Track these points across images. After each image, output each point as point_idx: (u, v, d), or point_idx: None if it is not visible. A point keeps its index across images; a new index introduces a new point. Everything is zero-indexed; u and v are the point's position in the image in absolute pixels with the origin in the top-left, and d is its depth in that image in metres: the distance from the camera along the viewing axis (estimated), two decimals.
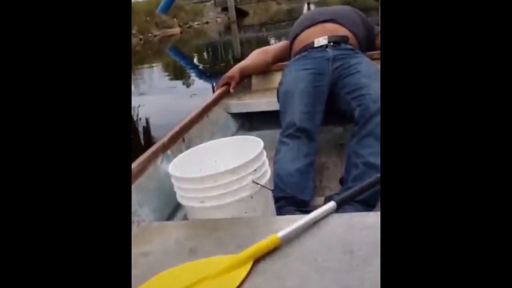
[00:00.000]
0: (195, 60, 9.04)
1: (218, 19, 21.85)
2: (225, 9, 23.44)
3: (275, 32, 12.99)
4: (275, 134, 1.29)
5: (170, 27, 16.39)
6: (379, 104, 1.14)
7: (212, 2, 24.03)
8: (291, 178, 1.11)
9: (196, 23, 19.61)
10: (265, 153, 0.98)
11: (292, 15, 17.71)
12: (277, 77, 1.55)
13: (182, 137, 1.30)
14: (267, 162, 0.99)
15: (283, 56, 1.76)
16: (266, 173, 0.97)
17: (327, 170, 1.38)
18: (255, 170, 0.92)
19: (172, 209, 1.08)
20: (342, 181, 1.18)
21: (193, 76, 6.79)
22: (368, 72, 1.30)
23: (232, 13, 20.55)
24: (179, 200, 0.94)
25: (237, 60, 1.83)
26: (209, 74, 6.66)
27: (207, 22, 20.79)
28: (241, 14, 25.97)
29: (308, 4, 23.34)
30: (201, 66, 8.03)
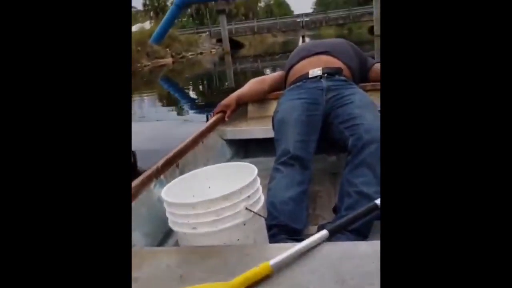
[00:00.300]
0: (190, 90, 9.14)
1: (213, 50, 22.34)
2: (220, 40, 23.99)
3: (269, 64, 13.29)
4: (269, 161, 1.32)
5: (162, 57, 16.56)
6: (372, 134, 1.18)
7: (208, 33, 24.71)
8: (284, 206, 1.12)
9: (190, 53, 19.96)
10: (258, 180, 1.00)
11: (287, 47, 18.16)
12: (273, 106, 1.60)
13: (176, 162, 1.32)
14: (260, 189, 1.00)
15: (279, 86, 1.82)
16: (260, 200, 0.98)
17: (321, 199, 1.40)
18: (248, 196, 0.93)
19: (164, 235, 1.08)
20: (335, 210, 1.19)
21: (186, 108, 6.87)
22: (361, 102, 1.35)
23: (226, 45, 20.88)
24: (171, 225, 0.94)
25: (231, 91, 1.90)
26: (203, 104, 6.74)
27: (201, 53, 21.12)
28: (236, 45, 26.66)
29: (303, 36, 24.13)
30: (195, 96, 8.12)
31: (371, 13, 23.84)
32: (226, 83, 10.12)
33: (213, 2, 21.15)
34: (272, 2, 57.83)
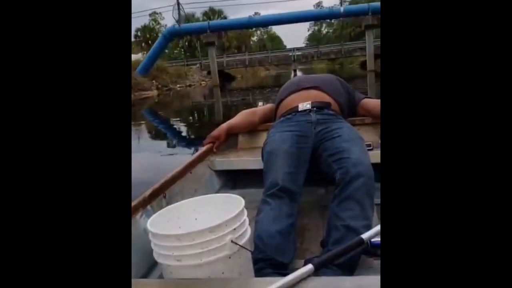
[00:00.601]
0: (176, 123, 9.02)
1: (203, 82, 22.30)
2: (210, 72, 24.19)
3: (260, 97, 13.24)
4: (258, 193, 1.33)
5: (146, 89, 16.34)
6: (359, 168, 1.22)
7: (198, 65, 25.02)
8: (271, 239, 1.13)
9: (178, 85, 19.91)
10: (245, 212, 1.01)
11: (279, 81, 18.20)
12: (263, 137, 1.65)
13: (163, 193, 1.32)
14: (247, 221, 1.01)
15: (269, 118, 1.88)
16: (246, 232, 0.99)
17: (309, 232, 1.40)
18: (234, 229, 0.94)
19: (149, 266, 1.07)
20: (323, 244, 1.20)
21: (172, 141, 6.73)
22: (348, 136, 1.41)
23: (215, 77, 20.85)
24: (156, 257, 0.94)
25: (219, 124, 1.94)
26: (190, 138, 6.65)
27: (190, 85, 21.09)
28: (228, 78, 26.99)
29: (295, 70, 24.54)
30: (181, 130, 7.97)
31: (363, 48, 24.25)
32: (214, 117, 10.02)
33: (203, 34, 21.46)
34: (265, 36, 59.46)
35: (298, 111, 1.58)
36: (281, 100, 1.74)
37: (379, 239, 1.08)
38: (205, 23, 22.36)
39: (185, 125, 8.63)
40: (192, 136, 6.90)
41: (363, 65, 32.17)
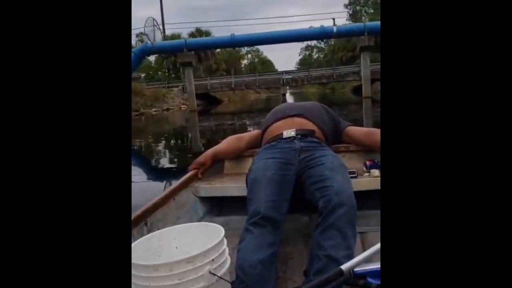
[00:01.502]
0: (142, 153, 8.58)
1: (184, 106, 21.54)
2: (196, 95, 23.90)
3: (247, 122, 13.04)
4: (243, 220, 1.38)
5: None
6: (341, 197, 1.29)
7: (180, 87, 24.32)
8: (253, 269, 1.17)
9: (153, 109, 19.35)
10: (225, 242, 1.06)
11: (270, 104, 18.05)
12: (249, 163, 1.71)
13: (144, 220, 1.35)
14: (227, 251, 1.06)
15: (256, 144, 1.97)
16: (225, 263, 1.03)
17: (292, 261, 1.45)
18: (212, 260, 0.98)
19: None
20: (306, 273, 1.25)
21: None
22: (331, 164, 1.49)
23: (192, 102, 20.01)
24: (133, 287, 0.96)
25: (197, 154, 2.00)
26: (164, 170, 6.43)
27: (167, 109, 20.49)
28: (213, 101, 26.90)
29: (284, 95, 24.66)
30: (143, 162, 7.60)
31: (355, 73, 24.13)
32: (187, 145, 9.57)
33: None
34: (256, 60, 60.87)
35: (282, 138, 1.67)
36: (267, 127, 1.84)
37: (363, 268, 1.13)
38: (182, 40, 21.28)
39: (149, 157, 8.14)
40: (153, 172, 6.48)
41: (356, 90, 32.22)
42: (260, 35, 20.19)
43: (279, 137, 1.69)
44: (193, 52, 20.15)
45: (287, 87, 26.60)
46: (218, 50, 40.01)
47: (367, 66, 20.50)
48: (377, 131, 1.89)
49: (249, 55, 64.07)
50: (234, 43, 20.24)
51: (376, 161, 1.81)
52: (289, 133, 1.68)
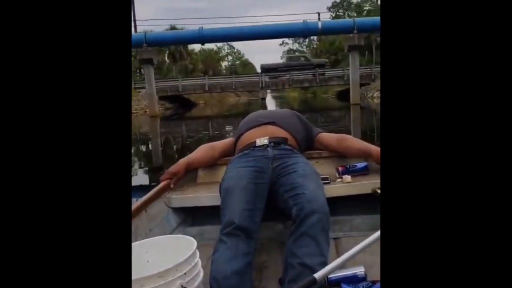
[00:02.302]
0: None
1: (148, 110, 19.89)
2: (166, 97, 23.15)
3: (222, 129, 12.41)
4: (218, 229, 1.44)
5: None
6: (313, 205, 1.39)
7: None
8: (227, 280, 1.25)
9: None
10: (198, 254, 1.11)
11: (250, 109, 17.30)
12: (224, 171, 1.78)
13: None
14: (199, 263, 1.12)
15: (229, 152, 2.06)
16: (198, 276, 1.09)
17: (267, 269, 1.54)
18: (184, 273, 1.03)
19: None
20: (281, 282, 1.34)
21: None
22: (303, 172, 1.59)
23: (153, 105, 18.33)
24: None
25: (156, 169, 1.97)
26: None
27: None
28: (186, 104, 26.30)
29: (263, 99, 24.57)
30: None
31: (340, 77, 23.84)
32: (144, 156, 8.68)
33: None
34: (238, 62, 61.56)
35: (255, 146, 1.77)
36: (240, 135, 1.94)
37: (337, 275, 1.27)
38: (141, 34, 18.96)
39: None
40: None
41: (341, 95, 31.49)
42: (232, 29, 18.59)
43: (252, 145, 1.78)
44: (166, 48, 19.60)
45: (267, 91, 25.97)
46: (197, 50, 39.86)
47: (356, 68, 19.14)
48: (349, 137, 2.06)
49: (230, 57, 65.13)
50: (202, 38, 18.11)
51: (348, 166, 1.93)
52: (262, 141, 1.78)
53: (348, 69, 24.64)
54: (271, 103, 30.06)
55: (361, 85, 23.34)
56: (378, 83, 21.20)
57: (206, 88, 24.97)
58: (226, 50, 64.03)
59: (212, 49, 47.84)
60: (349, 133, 2.19)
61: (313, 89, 41.21)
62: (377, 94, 20.31)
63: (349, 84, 24.75)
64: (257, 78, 25.25)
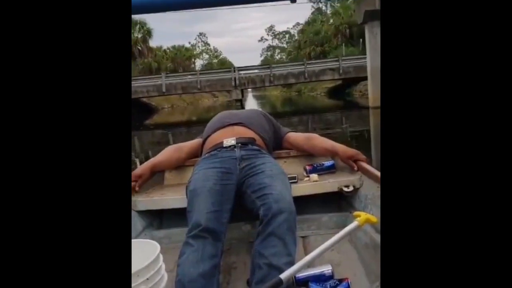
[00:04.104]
0: None
1: None
2: None
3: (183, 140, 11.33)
4: (185, 232, 1.59)
5: None
6: (280, 204, 1.57)
7: None
8: (193, 284, 1.39)
9: None
10: (161, 258, 1.23)
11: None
12: (190, 173, 1.96)
13: None
14: (163, 267, 1.23)
15: (197, 153, 2.26)
16: (162, 280, 1.20)
17: (235, 270, 1.72)
18: (147, 279, 1.14)
19: None
20: (249, 282, 1.50)
21: None
22: (271, 172, 1.79)
23: None
24: None
25: None
26: None
27: None
28: (144, 110, 24.48)
29: (239, 101, 23.45)
30: None
31: (334, 69, 22.58)
32: None
33: None
34: (215, 60, 62.55)
35: (223, 147, 1.97)
36: (207, 136, 2.15)
37: (305, 274, 1.47)
38: None
39: None
40: None
41: (332, 92, 30.87)
42: None
43: (219, 146, 1.98)
44: None
45: (248, 90, 24.02)
46: (165, 47, 39.07)
47: (376, 49, 13.82)
48: (316, 136, 2.30)
49: (206, 55, 66.93)
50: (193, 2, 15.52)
51: (315, 165, 2.17)
52: (229, 141, 1.99)
53: (345, 59, 23.62)
54: (253, 106, 28.33)
55: (358, 79, 22.99)
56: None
57: (163, 90, 22.98)
58: (200, 47, 66.58)
59: (183, 46, 47.74)
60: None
61: (297, 87, 40.72)
62: None
63: (343, 79, 23.88)
64: (229, 75, 23.45)
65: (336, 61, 23.63)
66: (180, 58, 43.07)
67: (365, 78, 21.27)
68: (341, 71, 22.69)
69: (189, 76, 24.61)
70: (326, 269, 1.54)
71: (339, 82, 28.34)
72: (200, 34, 74.34)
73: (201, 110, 27.66)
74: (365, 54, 21.06)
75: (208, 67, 53.56)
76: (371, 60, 14.26)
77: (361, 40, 32.81)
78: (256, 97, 42.72)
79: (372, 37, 13.91)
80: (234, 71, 23.48)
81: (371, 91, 14.60)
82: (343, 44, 34.23)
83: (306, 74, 23.00)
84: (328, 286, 1.47)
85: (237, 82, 23.03)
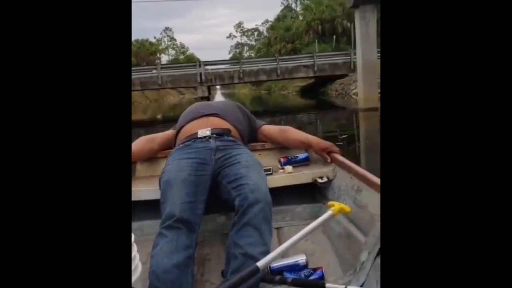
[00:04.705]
0: None
1: None
2: None
3: None
4: (158, 224, 1.64)
5: None
6: (256, 194, 1.65)
7: None
8: (167, 275, 1.44)
9: None
10: (135, 249, 1.25)
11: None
12: (163, 164, 2.02)
13: None
14: (137, 257, 1.25)
15: (169, 145, 2.32)
16: (135, 271, 1.22)
17: (209, 262, 1.80)
18: None
19: None
20: (223, 274, 1.56)
21: None
22: (247, 163, 1.87)
23: None
24: None
25: None
26: None
27: None
28: None
29: (205, 98, 23.20)
30: None
31: (308, 67, 22.35)
32: None
33: None
34: (182, 56, 62.72)
35: (197, 138, 2.04)
36: (181, 127, 2.21)
37: (279, 263, 1.57)
38: None
39: None
40: None
41: (305, 91, 29.66)
42: None
43: (193, 137, 2.05)
44: None
45: (207, 86, 22.46)
46: None
47: (369, 39, 12.76)
48: (290, 128, 2.42)
49: (172, 51, 67.45)
50: None
51: (289, 157, 2.31)
52: (204, 132, 2.06)
53: (320, 55, 23.47)
54: None
55: (334, 77, 22.65)
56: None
57: None
58: (166, 43, 67.03)
59: (147, 40, 47.50)
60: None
61: (267, 85, 40.33)
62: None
63: (317, 77, 23.35)
64: (195, 70, 22.75)
65: (310, 57, 23.52)
66: (143, 53, 42.84)
67: (342, 76, 21.76)
68: (315, 68, 22.62)
69: (154, 71, 23.83)
70: (301, 258, 1.64)
71: (312, 80, 28.17)
72: (166, 28, 74.83)
73: (166, 108, 27.22)
74: (339, 51, 20.96)
75: (174, 63, 53.29)
76: (363, 52, 12.77)
77: (334, 37, 33.25)
78: (225, 95, 43.24)
79: (364, 24, 12.61)
80: (200, 66, 22.86)
81: (363, 91, 13.23)
82: (316, 40, 34.51)
83: (279, 71, 22.69)
84: (303, 275, 1.56)
85: (203, 78, 22.48)
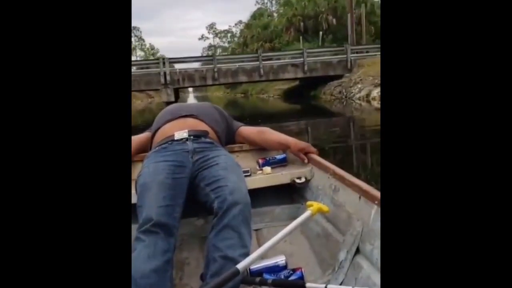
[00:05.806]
0: None
1: None
2: None
3: None
4: (134, 229, 1.68)
5: None
6: (235, 196, 1.73)
7: None
8: (145, 279, 1.49)
9: None
10: None
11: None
12: (139, 168, 2.06)
13: None
14: None
15: (145, 148, 2.38)
16: None
17: (188, 266, 1.90)
18: None
19: None
20: (202, 277, 1.65)
21: None
22: (225, 164, 1.95)
23: None
24: None
25: None
26: None
27: None
28: None
29: (170, 103, 19.45)
30: None
31: (298, 66, 19.03)
32: None
33: None
34: (151, 58, 62.26)
35: (174, 140, 2.09)
36: (157, 129, 2.27)
37: (259, 265, 1.67)
38: None
39: None
40: None
41: (289, 94, 25.71)
42: None
43: (170, 139, 2.10)
44: None
45: (174, 89, 18.57)
46: None
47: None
48: (268, 129, 2.49)
49: (141, 52, 66.98)
50: None
51: (267, 158, 2.41)
52: (181, 134, 2.11)
53: (311, 52, 20.59)
54: None
55: (328, 78, 19.67)
56: (361, 73, 17.44)
57: None
58: (133, 43, 65.13)
59: None
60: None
61: (243, 87, 36.41)
62: (376, 92, 14.98)
63: (307, 78, 20.31)
64: (157, 69, 18.85)
65: (299, 54, 20.07)
66: None
67: (337, 77, 18.66)
68: (305, 67, 19.34)
69: None
70: (280, 259, 1.69)
71: (296, 83, 24.45)
72: (134, 28, 72.98)
73: (132, 113, 22.68)
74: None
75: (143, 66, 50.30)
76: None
77: (321, 33, 29.60)
78: (198, 98, 43.02)
79: None
80: (164, 65, 18.88)
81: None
82: (300, 38, 32.30)
83: (262, 71, 19.26)
84: (282, 276, 1.61)
85: (168, 78, 18.67)
